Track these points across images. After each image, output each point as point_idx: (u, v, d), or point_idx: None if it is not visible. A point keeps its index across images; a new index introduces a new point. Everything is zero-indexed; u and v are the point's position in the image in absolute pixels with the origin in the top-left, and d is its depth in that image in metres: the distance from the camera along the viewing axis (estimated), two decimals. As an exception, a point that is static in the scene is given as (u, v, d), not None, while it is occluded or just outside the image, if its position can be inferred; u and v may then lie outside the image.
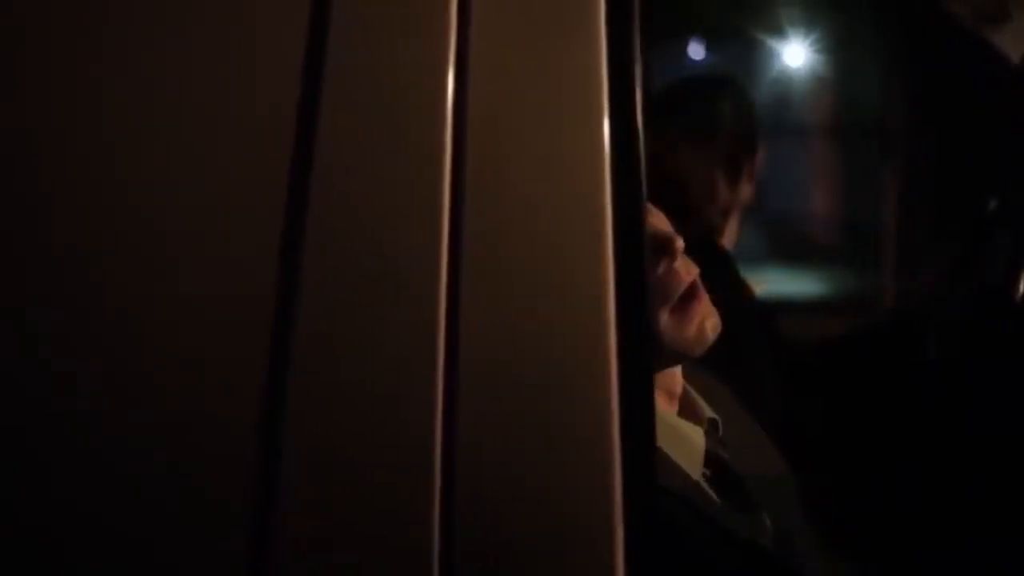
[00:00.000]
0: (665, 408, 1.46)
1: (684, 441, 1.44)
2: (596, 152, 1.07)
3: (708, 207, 2.30)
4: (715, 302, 2.02)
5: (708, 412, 1.50)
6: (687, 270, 1.40)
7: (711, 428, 1.49)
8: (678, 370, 1.48)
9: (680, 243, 1.40)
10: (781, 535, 1.50)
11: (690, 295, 1.41)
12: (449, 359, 1.05)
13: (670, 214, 2.11)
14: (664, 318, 1.39)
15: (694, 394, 1.51)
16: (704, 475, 1.45)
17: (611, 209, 1.07)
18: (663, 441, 1.42)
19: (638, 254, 1.08)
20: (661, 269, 1.39)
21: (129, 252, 1.06)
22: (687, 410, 1.50)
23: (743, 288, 2.25)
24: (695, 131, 2.32)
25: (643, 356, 1.07)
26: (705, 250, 2.14)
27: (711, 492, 1.44)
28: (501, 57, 1.08)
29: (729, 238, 2.33)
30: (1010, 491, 2.01)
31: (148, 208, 1.07)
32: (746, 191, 2.36)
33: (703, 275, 2.05)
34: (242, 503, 1.04)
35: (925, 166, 3.41)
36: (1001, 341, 2.10)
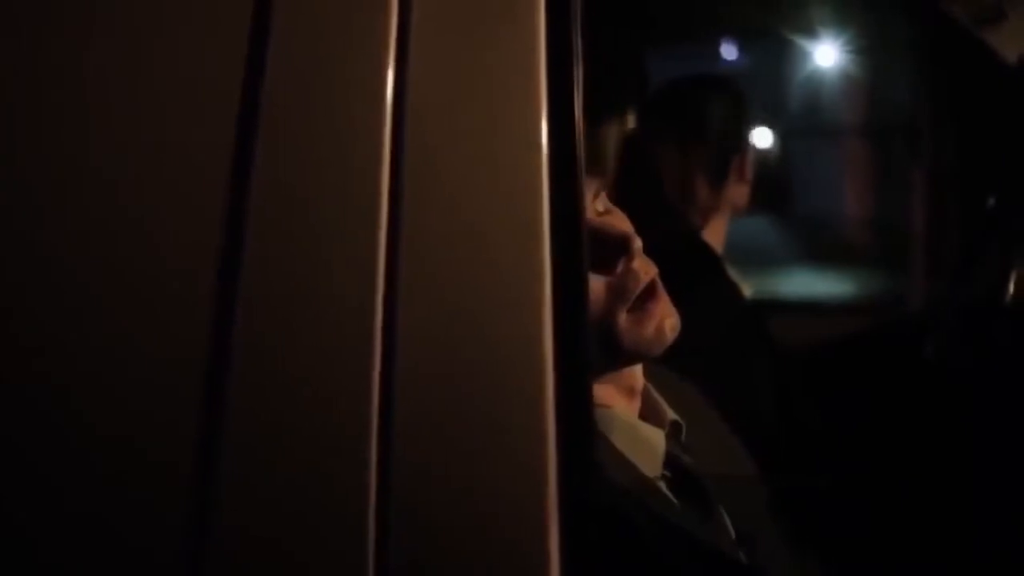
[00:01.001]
0: (625, 407, 1.45)
1: (644, 442, 1.44)
2: (533, 149, 1.07)
3: (692, 206, 2.28)
4: (701, 302, 2.01)
5: (671, 415, 1.49)
6: (645, 269, 1.40)
7: (673, 430, 1.48)
8: (638, 369, 1.47)
9: (638, 243, 1.39)
10: (743, 538, 1.49)
11: (649, 295, 1.40)
12: (385, 355, 1.05)
13: (658, 212, 2.12)
14: (622, 318, 1.39)
15: (657, 396, 1.50)
16: (664, 477, 1.44)
17: (548, 205, 1.07)
18: (622, 442, 1.42)
19: (576, 250, 1.08)
20: (619, 268, 1.38)
21: (71, 248, 1.07)
22: (650, 411, 1.49)
23: (731, 288, 2.24)
24: (681, 130, 2.31)
25: (580, 353, 1.07)
26: (692, 250, 2.13)
27: (670, 494, 1.43)
28: (441, 53, 1.09)
29: (717, 237, 2.31)
30: (1005, 493, 2.00)
31: (88, 206, 1.07)
32: (737, 191, 2.35)
33: (691, 275, 2.04)
34: (182, 500, 1.04)
35: (950, 167, 3.39)
36: (990, 344, 2.08)
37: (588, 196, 1.39)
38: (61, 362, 1.06)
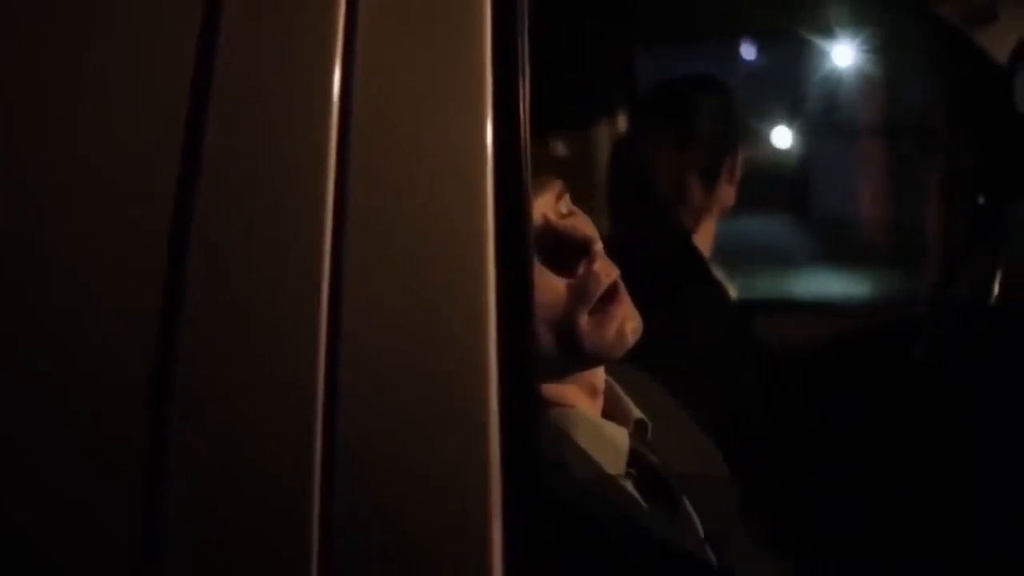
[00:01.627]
0: (588, 406, 1.46)
1: (607, 440, 1.45)
2: (479, 148, 1.09)
3: (681, 208, 2.29)
4: (686, 302, 2.02)
5: (636, 413, 1.50)
6: (607, 272, 1.41)
7: (638, 429, 1.50)
8: (600, 369, 1.48)
9: (599, 245, 1.41)
10: (713, 537, 1.50)
11: (611, 297, 1.41)
12: (331, 356, 1.06)
13: (648, 213, 2.13)
14: (583, 320, 1.40)
15: (622, 394, 1.52)
16: (630, 475, 1.46)
17: (493, 204, 1.08)
18: (586, 440, 1.43)
19: (521, 249, 1.09)
20: (580, 271, 1.39)
21: (18, 251, 1.08)
22: (615, 410, 1.51)
23: (717, 289, 2.25)
24: (671, 132, 2.32)
25: (524, 350, 1.09)
26: (678, 251, 2.14)
27: (635, 492, 1.44)
28: (387, 53, 1.10)
29: (706, 239, 2.32)
30: (995, 493, 2.00)
31: (37, 209, 1.09)
32: (725, 193, 2.35)
33: (676, 276, 2.05)
34: (127, 501, 1.06)
35: (962, 168, 3.39)
36: (977, 344, 2.08)
37: (551, 198, 1.40)
38: (7, 356, 1.07)
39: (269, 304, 1.07)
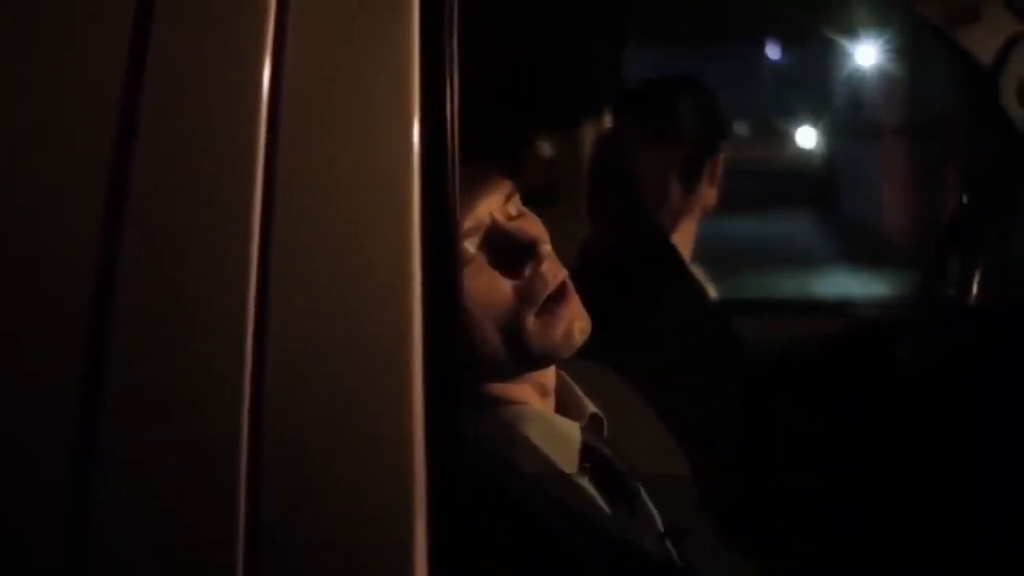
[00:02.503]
0: (539, 404, 1.47)
1: (560, 436, 1.44)
2: (405, 149, 1.09)
3: (661, 209, 2.29)
4: (663, 302, 2.02)
5: (591, 408, 1.51)
6: (554, 273, 1.41)
7: (593, 424, 1.50)
8: (550, 368, 1.49)
9: (546, 246, 1.41)
10: (672, 533, 1.51)
11: (559, 298, 1.42)
12: (257, 358, 1.08)
13: (629, 214, 2.14)
14: (530, 321, 1.40)
15: (577, 390, 1.52)
16: (586, 470, 1.46)
17: (420, 209, 1.09)
18: (538, 437, 1.43)
19: (447, 249, 1.10)
20: (527, 272, 1.40)
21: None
22: (568, 405, 1.51)
23: (696, 289, 2.25)
24: (652, 133, 2.32)
25: (449, 355, 1.09)
26: (657, 251, 2.15)
27: (591, 487, 1.45)
28: (317, 54, 1.11)
29: (687, 239, 2.32)
30: (975, 491, 2.00)
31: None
32: (707, 193, 2.35)
33: (654, 275, 2.05)
34: (53, 501, 1.07)
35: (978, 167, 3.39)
36: (954, 345, 2.08)
37: (499, 199, 1.41)
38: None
39: (196, 306, 1.08)
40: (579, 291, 2.16)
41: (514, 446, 1.41)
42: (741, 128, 11.29)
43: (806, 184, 10.70)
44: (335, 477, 1.07)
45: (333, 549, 1.07)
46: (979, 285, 2.10)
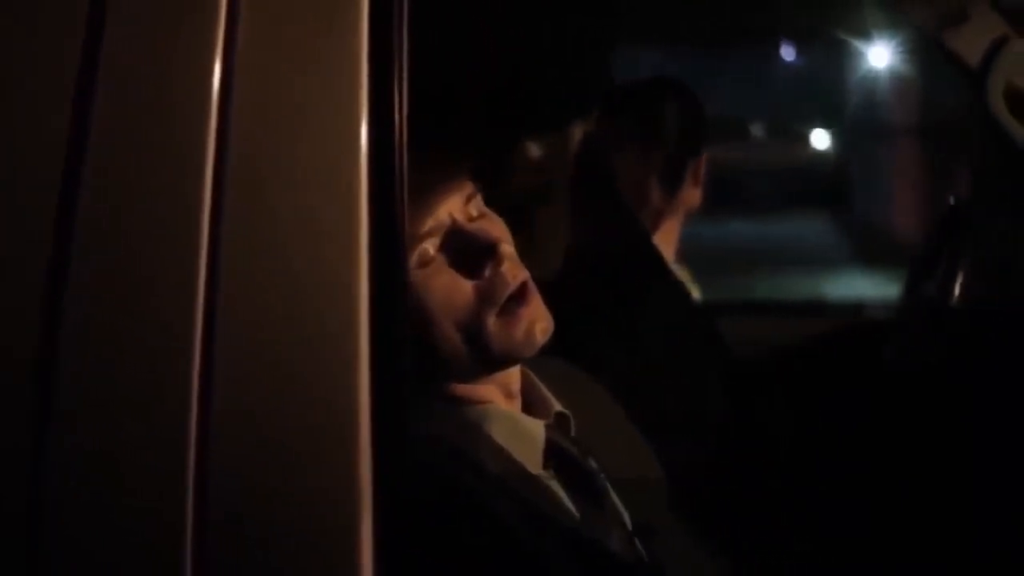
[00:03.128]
0: (503, 405, 1.48)
1: (524, 434, 1.44)
2: (352, 153, 1.10)
3: (643, 209, 2.30)
4: (644, 303, 2.03)
5: (557, 406, 1.52)
6: (515, 274, 1.42)
7: (559, 422, 1.51)
8: (514, 368, 1.50)
9: (506, 247, 1.42)
10: (639, 532, 1.51)
11: (520, 299, 1.42)
12: (205, 357, 1.09)
13: (611, 215, 2.14)
14: (491, 321, 1.41)
15: (543, 389, 1.53)
16: (551, 468, 1.47)
17: (367, 210, 1.09)
18: (502, 435, 1.43)
19: (394, 253, 1.11)
20: (487, 272, 1.41)
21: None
22: (534, 404, 1.52)
23: (677, 289, 2.26)
24: (634, 134, 2.33)
25: (396, 356, 1.10)
26: (638, 252, 2.15)
27: (554, 485, 1.46)
28: (267, 58, 1.12)
29: (670, 239, 2.33)
30: (961, 494, 2.00)
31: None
32: (691, 194, 2.36)
33: (634, 275, 2.06)
34: (7, 503, 1.09)
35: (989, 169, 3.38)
36: (936, 347, 2.08)
37: (459, 200, 1.42)
38: None
39: (146, 304, 1.09)
40: (562, 291, 2.18)
41: (478, 446, 1.42)
42: (756, 129, 11.34)
43: (819, 185, 10.72)
44: (282, 477, 1.08)
45: (279, 551, 1.08)
46: (962, 286, 2.10)
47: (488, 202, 2.35)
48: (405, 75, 1.13)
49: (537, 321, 1.43)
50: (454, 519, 1.34)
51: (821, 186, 10.73)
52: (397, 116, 1.12)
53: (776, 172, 10.60)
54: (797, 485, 2.17)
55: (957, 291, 2.10)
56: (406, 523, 1.10)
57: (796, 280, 8.01)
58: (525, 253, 2.34)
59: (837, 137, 10.30)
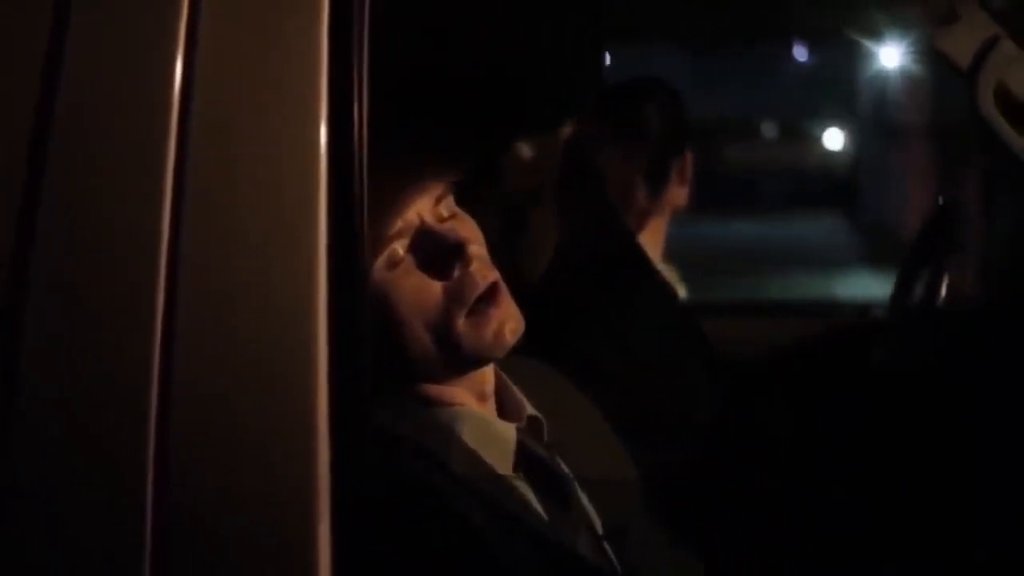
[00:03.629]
0: (475, 408, 1.48)
1: (495, 438, 1.44)
2: (312, 153, 1.11)
3: (628, 208, 2.31)
4: (628, 303, 2.03)
5: (529, 410, 1.52)
6: (484, 274, 1.42)
7: (531, 426, 1.51)
8: (489, 373, 1.50)
9: (475, 247, 1.42)
10: (610, 535, 1.51)
11: (489, 299, 1.43)
12: (164, 361, 1.09)
13: (597, 215, 2.15)
14: (460, 322, 1.41)
15: (516, 392, 1.53)
16: (521, 472, 1.47)
17: (326, 208, 1.10)
18: (473, 438, 1.43)
19: (353, 253, 1.11)
20: (455, 273, 1.41)
21: None
22: (507, 407, 1.52)
23: (662, 289, 2.27)
24: (617, 134, 2.34)
25: (356, 354, 1.11)
26: (622, 251, 2.16)
27: (523, 489, 1.46)
28: (227, 57, 1.12)
29: (656, 239, 2.34)
30: (948, 497, 2.00)
31: None
32: (676, 194, 2.37)
33: (619, 275, 2.06)
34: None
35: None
36: (922, 350, 2.08)
37: (429, 200, 1.42)
38: None
39: (105, 305, 1.10)
40: (549, 291, 2.19)
41: (448, 447, 1.42)
42: (768, 129, 11.34)
43: (830, 185, 10.71)
44: (239, 475, 1.09)
45: (237, 549, 1.09)
46: (948, 287, 2.10)
47: (482, 202, 2.36)
48: (365, 74, 1.14)
49: (507, 322, 1.43)
50: (418, 519, 1.35)
51: (832, 186, 10.72)
52: (356, 114, 1.13)
53: (787, 172, 10.61)
54: (788, 487, 2.18)
55: (944, 292, 2.10)
56: (366, 522, 1.10)
57: (804, 280, 8.00)
58: (520, 253, 2.36)
59: (849, 137, 10.29)
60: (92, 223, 1.10)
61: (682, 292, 2.41)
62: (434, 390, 1.45)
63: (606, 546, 1.51)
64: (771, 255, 8.79)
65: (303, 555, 1.08)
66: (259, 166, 1.11)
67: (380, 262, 1.38)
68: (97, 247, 1.10)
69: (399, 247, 1.40)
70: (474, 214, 2.40)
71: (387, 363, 1.42)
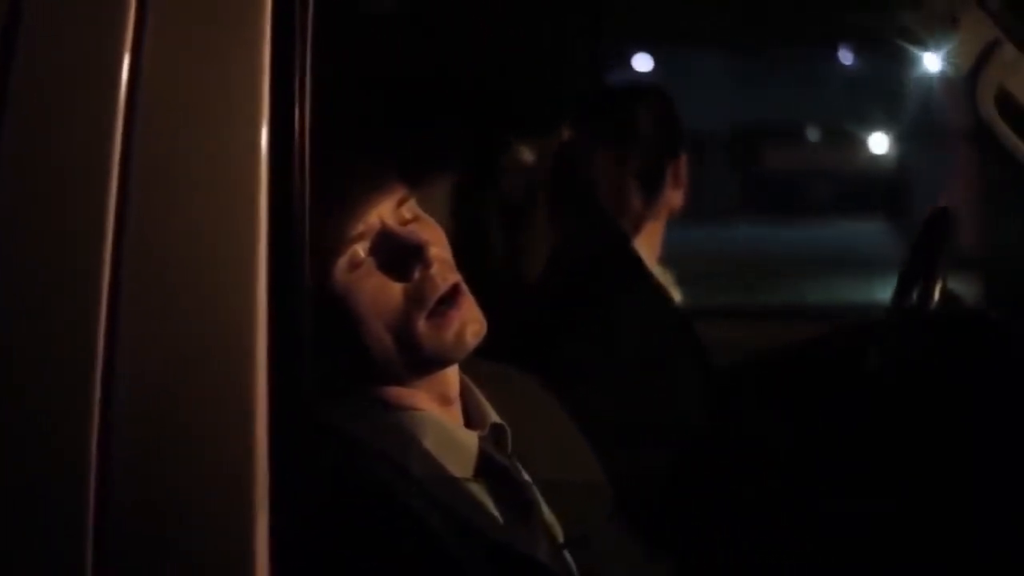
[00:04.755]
0: (438, 412, 1.50)
1: (456, 445, 1.45)
2: (253, 153, 1.12)
3: (622, 213, 2.32)
4: (622, 307, 2.04)
5: (493, 417, 1.53)
6: (444, 277, 1.44)
7: (495, 433, 1.52)
8: (452, 373, 1.51)
9: (434, 250, 1.43)
10: (572, 545, 1.52)
11: (450, 301, 1.44)
12: (107, 359, 1.12)
13: (589, 219, 2.16)
14: (420, 324, 1.42)
15: (481, 398, 1.54)
16: (482, 479, 1.48)
17: (267, 209, 1.12)
18: (434, 444, 1.44)
19: (294, 253, 1.13)
20: (415, 275, 1.43)
21: None
22: (471, 414, 1.53)
23: (656, 294, 2.27)
24: (609, 138, 2.35)
25: (295, 355, 1.13)
26: (615, 255, 2.17)
27: (482, 497, 1.46)
28: (172, 58, 1.14)
29: (651, 242, 2.35)
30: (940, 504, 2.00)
31: None
32: (672, 197, 2.38)
33: (614, 281, 2.06)
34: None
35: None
36: (913, 355, 2.07)
37: (390, 203, 1.44)
38: None
39: (50, 303, 1.12)
40: (542, 295, 2.20)
41: (408, 452, 1.43)
42: (812, 133, 11.28)
43: (876, 189, 10.64)
44: (177, 474, 1.11)
45: (174, 547, 1.11)
46: (940, 292, 2.09)
47: (480, 203, 2.37)
48: (308, 77, 1.16)
49: (468, 324, 1.44)
50: (373, 521, 1.36)
51: (877, 190, 10.65)
52: (298, 118, 1.15)
53: (831, 176, 10.55)
54: (780, 492, 2.18)
55: (937, 295, 2.09)
56: (306, 523, 1.12)
57: (848, 284, 7.94)
58: (518, 255, 2.37)
59: (894, 141, 10.20)
60: (36, 224, 1.13)
61: (677, 295, 2.41)
62: (395, 392, 1.46)
63: (566, 555, 1.52)
64: (816, 259, 8.74)
65: (241, 555, 1.10)
66: (202, 165, 1.13)
67: (341, 264, 1.40)
68: (41, 249, 1.12)
69: (360, 249, 1.41)
70: (472, 215, 2.42)
71: (349, 364, 1.45)
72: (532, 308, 2.23)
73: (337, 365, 1.43)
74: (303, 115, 1.14)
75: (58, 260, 1.11)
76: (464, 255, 2.41)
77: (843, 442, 2.16)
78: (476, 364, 1.53)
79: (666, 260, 2.42)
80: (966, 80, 2.24)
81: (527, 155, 2.48)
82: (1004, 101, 2.15)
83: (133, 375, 1.10)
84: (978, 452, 2.01)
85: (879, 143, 10.51)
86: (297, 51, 1.14)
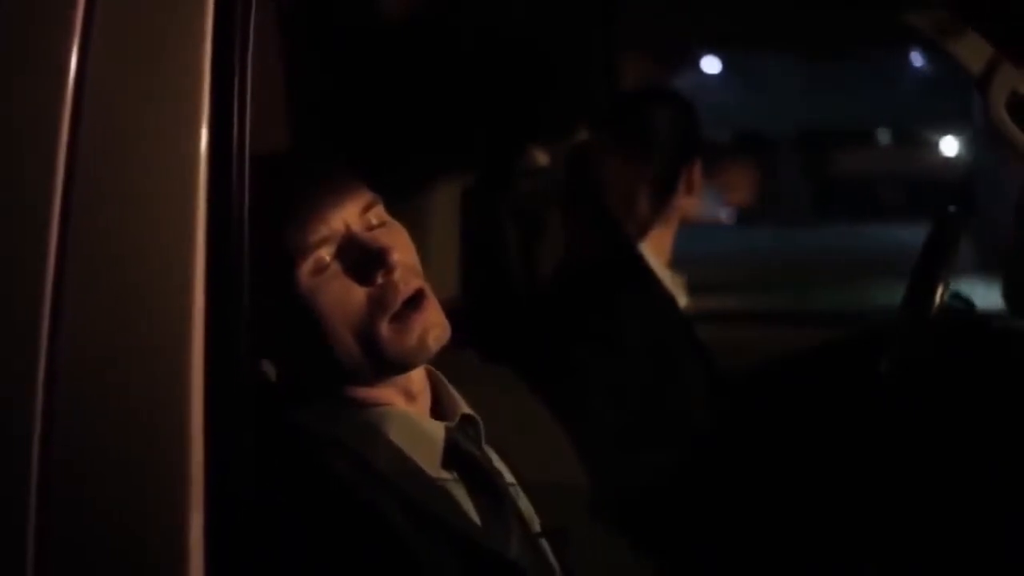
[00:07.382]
0: (404, 406, 1.52)
1: (423, 437, 1.47)
2: (193, 153, 1.15)
3: (632, 218, 2.33)
4: (627, 311, 2.05)
5: (463, 408, 1.55)
6: (406, 281, 1.46)
7: (465, 424, 1.55)
8: (416, 372, 1.53)
9: (397, 255, 1.46)
10: (550, 536, 1.53)
11: (413, 306, 1.46)
12: (50, 354, 1.14)
13: (598, 224, 2.18)
14: (383, 328, 1.45)
15: (451, 390, 1.56)
16: (451, 470, 1.50)
17: (205, 207, 1.15)
18: (400, 437, 1.47)
19: (232, 254, 1.16)
20: (379, 280, 1.45)
21: None
22: (442, 406, 1.55)
23: (662, 299, 2.28)
24: (622, 144, 2.36)
25: (233, 352, 1.15)
26: (621, 259, 2.18)
27: (451, 488, 1.48)
28: (118, 57, 1.17)
29: (660, 247, 2.35)
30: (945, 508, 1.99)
31: None
32: (686, 203, 2.38)
33: (620, 285, 2.07)
34: None
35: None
36: (915, 358, 2.06)
37: (355, 209, 1.46)
38: None
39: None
40: (550, 300, 2.22)
41: (374, 447, 1.46)
42: (883, 135, 11.18)
43: (947, 192, 10.53)
44: (116, 470, 1.14)
45: (112, 541, 1.14)
46: (948, 296, 2.08)
47: (497, 206, 2.39)
48: (248, 79, 1.18)
49: (431, 329, 1.46)
50: (335, 517, 1.39)
51: (948, 193, 10.54)
52: (237, 118, 1.17)
53: (901, 179, 10.45)
54: (784, 493, 2.18)
55: (945, 299, 2.08)
56: (243, 522, 1.15)
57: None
58: (536, 258, 2.39)
59: (965, 144, 10.09)
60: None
61: (683, 300, 2.41)
62: (361, 391, 1.49)
63: (543, 543, 1.54)
64: (886, 261, 8.66)
65: (174, 553, 1.13)
66: (142, 171, 1.16)
67: (306, 268, 1.42)
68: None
69: (325, 253, 1.43)
70: (487, 218, 2.44)
71: (315, 366, 1.48)
72: (543, 312, 2.26)
73: (303, 366, 1.47)
74: (243, 116, 1.17)
75: (3, 261, 1.15)
76: (478, 258, 2.45)
77: (853, 447, 2.16)
78: (450, 357, 1.55)
79: (674, 264, 2.43)
80: (977, 84, 2.22)
81: (542, 158, 2.50)
82: (1016, 106, 2.13)
83: (75, 378, 1.14)
84: (986, 456, 2.00)
85: (950, 146, 10.40)
86: (237, 56, 1.17)
